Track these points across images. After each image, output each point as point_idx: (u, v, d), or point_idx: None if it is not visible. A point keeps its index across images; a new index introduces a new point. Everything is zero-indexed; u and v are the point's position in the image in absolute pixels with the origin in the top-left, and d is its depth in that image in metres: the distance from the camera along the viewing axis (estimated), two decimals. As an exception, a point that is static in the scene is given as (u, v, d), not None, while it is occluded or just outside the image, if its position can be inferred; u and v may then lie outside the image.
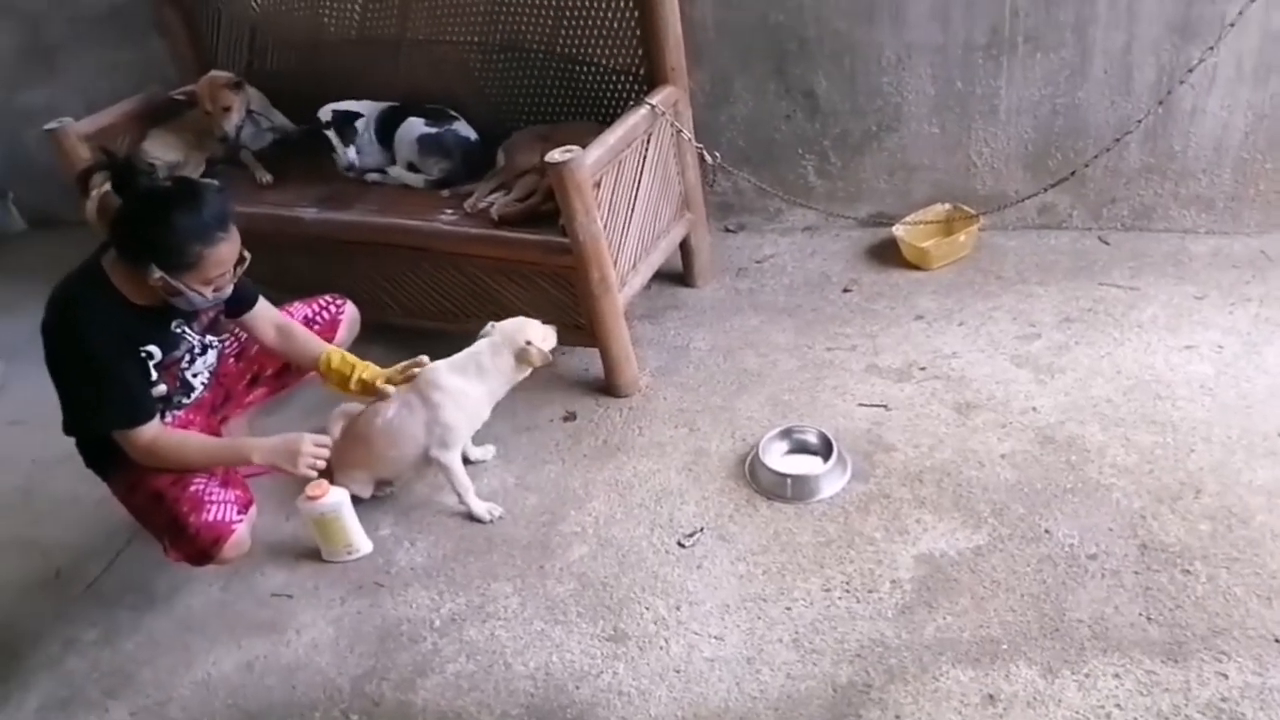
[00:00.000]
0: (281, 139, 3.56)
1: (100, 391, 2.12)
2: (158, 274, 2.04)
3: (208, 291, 2.11)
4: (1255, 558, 2.07)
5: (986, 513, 2.30)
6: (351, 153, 3.26)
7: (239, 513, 2.28)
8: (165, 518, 2.24)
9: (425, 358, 2.50)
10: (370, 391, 2.47)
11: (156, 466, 2.21)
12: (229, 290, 2.18)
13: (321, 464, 2.30)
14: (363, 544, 2.48)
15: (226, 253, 2.09)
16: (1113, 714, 1.81)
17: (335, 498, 2.40)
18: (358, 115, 3.29)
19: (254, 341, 2.62)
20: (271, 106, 3.55)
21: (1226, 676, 1.84)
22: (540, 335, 2.52)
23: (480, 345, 2.50)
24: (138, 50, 4.08)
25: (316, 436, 2.31)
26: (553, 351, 2.55)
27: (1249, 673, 1.84)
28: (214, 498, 2.25)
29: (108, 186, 2.15)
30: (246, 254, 2.17)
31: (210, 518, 2.23)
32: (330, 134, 3.25)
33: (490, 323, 2.55)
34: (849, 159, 3.50)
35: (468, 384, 2.46)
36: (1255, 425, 2.42)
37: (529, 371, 2.52)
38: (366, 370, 2.47)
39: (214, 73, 3.40)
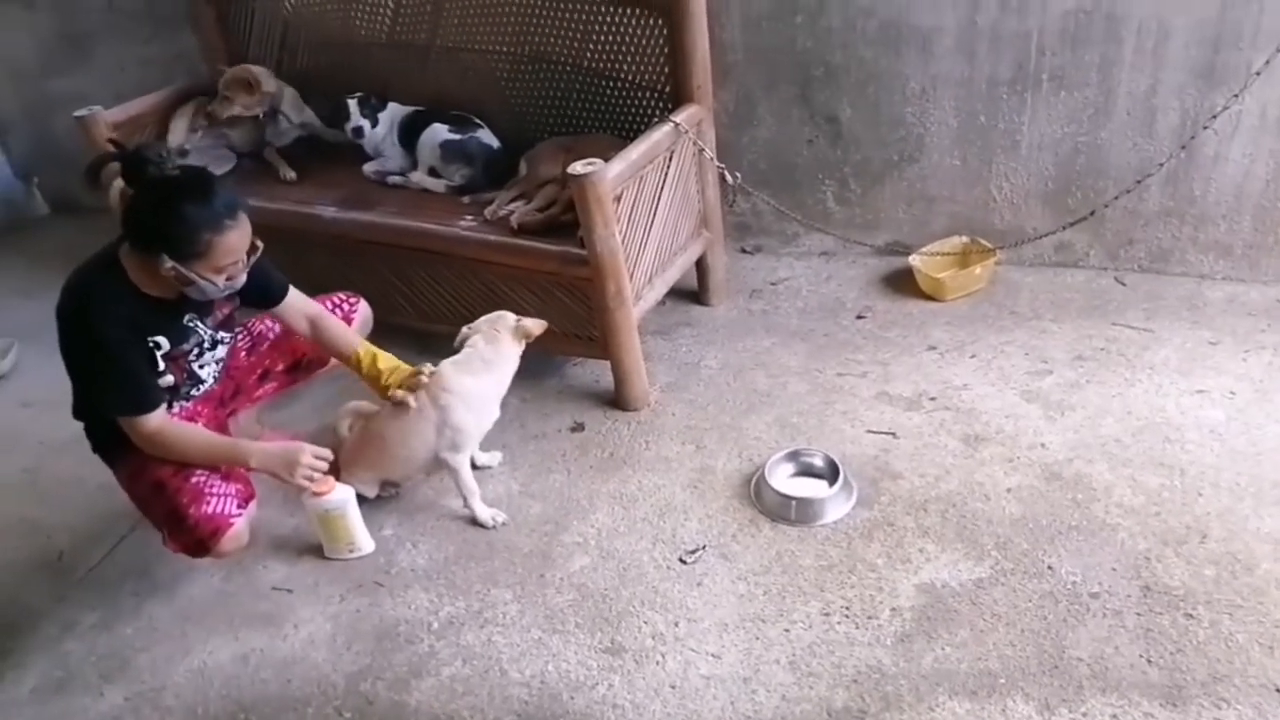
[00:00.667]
0: (308, 137, 3.59)
1: (108, 377, 2.13)
2: (169, 263, 2.05)
3: (220, 280, 2.12)
4: (1259, 605, 2.06)
5: (990, 545, 2.29)
6: (364, 121, 3.31)
7: (239, 506, 2.28)
8: (165, 507, 2.24)
9: (430, 366, 2.51)
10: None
11: (159, 456, 2.22)
12: (242, 279, 2.19)
13: (318, 476, 2.31)
14: (365, 543, 2.48)
15: (236, 241, 2.10)
16: (1109, 754, 1.80)
17: (341, 495, 2.40)
18: (384, 105, 3.36)
19: (267, 336, 2.63)
20: (304, 105, 3.58)
21: (1225, 723, 1.83)
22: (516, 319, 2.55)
23: (474, 342, 2.51)
24: (170, 44, 4.13)
25: (317, 449, 2.31)
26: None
27: (1248, 721, 1.83)
28: (214, 490, 2.26)
29: None
30: (259, 243, 2.17)
31: (209, 510, 2.23)
32: (351, 101, 3.30)
33: (463, 328, 2.55)
34: (869, 187, 3.52)
35: (476, 381, 2.46)
36: (1264, 473, 2.41)
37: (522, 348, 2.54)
38: (394, 375, 2.48)
39: (245, 65, 3.44)
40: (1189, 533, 2.26)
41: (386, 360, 2.50)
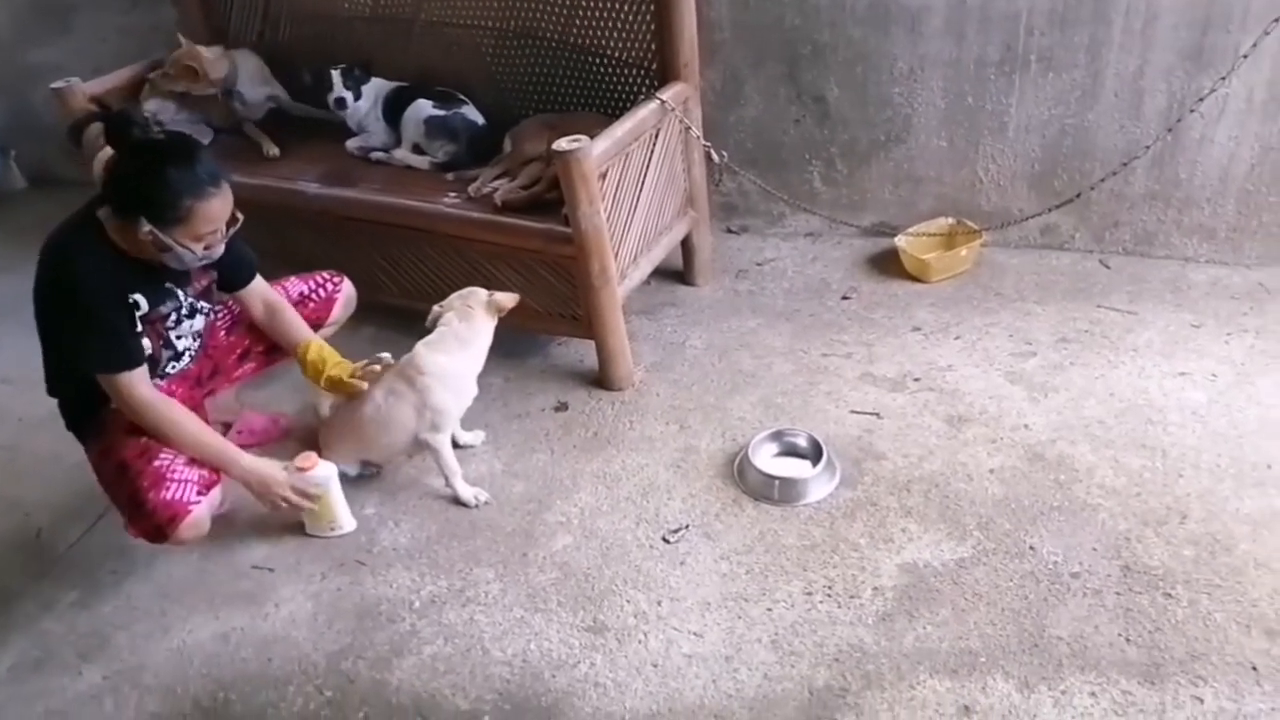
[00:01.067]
0: (278, 109, 3.56)
1: (89, 332, 2.09)
2: (147, 228, 2.02)
3: (198, 248, 2.08)
4: (1237, 585, 2.08)
5: (972, 526, 2.30)
6: (346, 93, 3.26)
7: (199, 493, 2.22)
8: (127, 491, 2.20)
9: (387, 355, 2.51)
10: (338, 388, 2.48)
11: (143, 426, 2.18)
12: (219, 250, 2.15)
13: (284, 508, 2.33)
14: (347, 521, 2.47)
15: (218, 209, 2.07)
16: (1087, 732, 1.81)
17: (324, 472, 2.38)
18: (368, 78, 3.32)
19: (246, 316, 2.61)
20: (269, 79, 3.53)
21: (1202, 701, 1.85)
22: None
23: (447, 320, 2.49)
24: (150, 15, 4.07)
25: (301, 488, 2.32)
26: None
27: (1224, 699, 1.85)
28: (176, 475, 2.21)
29: None
30: (239, 215, 2.15)
31: (168, 496, 2.18)
32: (335, 72, 3.26)
33: (435, 307, 2.53)
34: (855, 167, 3.51)
35: (452, 360, 2.44)
36: (1245, 455, 2.42)
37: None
38: (336, 368, 2.47)
39: (194, 50, 3.36)
40: (1169, 513, 2.28)
41: (330, 351, 2.50)
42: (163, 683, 2.14)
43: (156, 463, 2.20)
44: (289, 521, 2.51)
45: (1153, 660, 1.93)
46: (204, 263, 2.18)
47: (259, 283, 2.47)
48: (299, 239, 3.17)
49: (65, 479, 2.71)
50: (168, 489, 2.18)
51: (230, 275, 2.40)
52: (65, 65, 3.67)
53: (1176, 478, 2.38)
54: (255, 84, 3.50)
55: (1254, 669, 1.90)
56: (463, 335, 2.46)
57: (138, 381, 2.15)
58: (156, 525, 2.18)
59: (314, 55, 3.54)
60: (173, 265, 2.14)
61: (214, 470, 2.29)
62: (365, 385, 2.45)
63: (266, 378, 2.84)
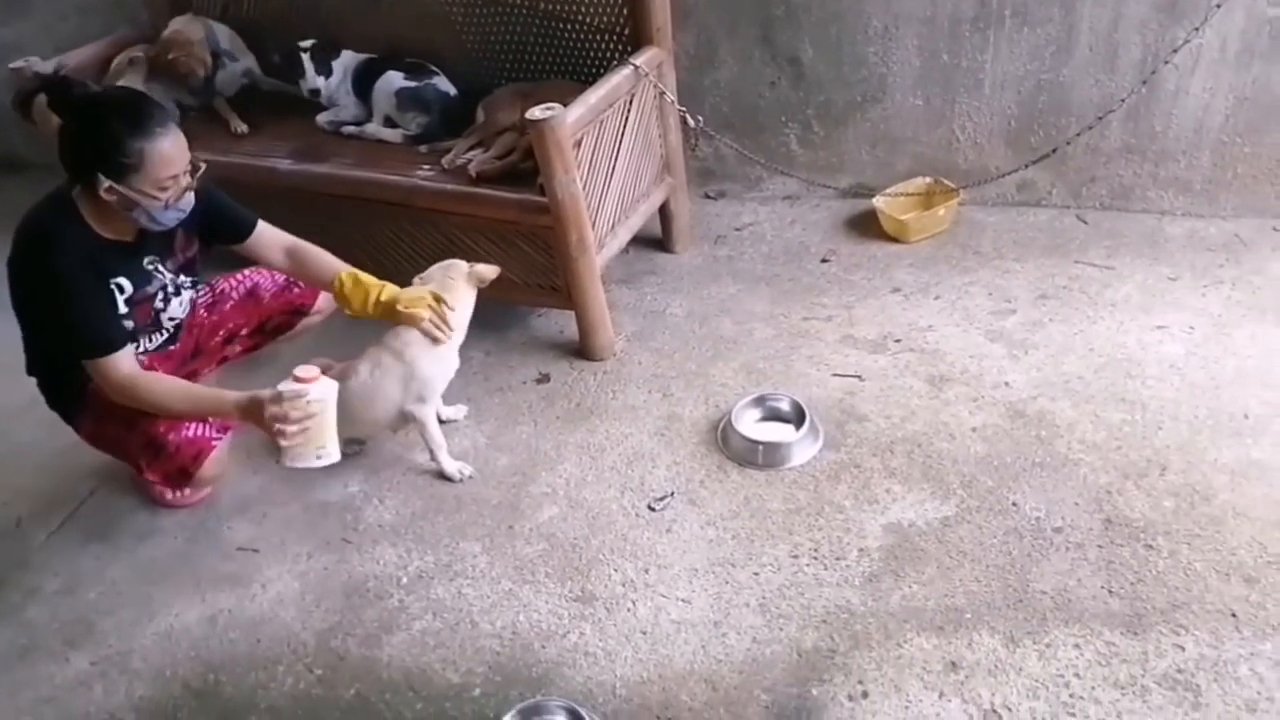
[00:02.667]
0: (252, 84, 3.50)
1: (71, 317, 2.05)
2: (106, 183, 1.97)
3: (162, 197, 2.03)
4: (1216, 534, 2.10)
5: (955, 484, 2.31)
6: (320, 80, 3.22)
7: (218, 432, 2.26)
8: (142, 438, 2.19)
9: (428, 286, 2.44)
10: (390, 315, 2.36)
11: (130, 404, 2.12)
12: (188, 201, 2.09)
13: (291, 431, 2.09)
14: (334, 450, 2.21)
15: (170, 150, 2.00)
16: (1071, 683, 1.84)
17: (325, 389, 2.14)
18: (337, 53, 3.27)
19: (230, 296, 2.56)
20: (245, 49, 3.48)
21: (1183, 649, 1.87)
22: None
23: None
24: (112, -9, 3.97)
25: (300, 403, 2.12)
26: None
27: (1205, 645, 1.87)
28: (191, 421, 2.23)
29: None
30: (201, 162, 2.09)
31: (190, 434, 2.20)
32: (305, 56, 3.21)
33: (415, 279, 2.49)
34: (832, 129, 3.49)
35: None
36: (1222, 406, 2.45)
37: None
38: (385, 291, 2.36)
39: (175, 30, 3.30)
40: (1149, 466, 2.30)
41: (372, 280, 2.37)
42: (151, 666, 2.14)
43: None
44: (273, 502, 2.50)
45: (1135, 611, 1.96)
46: (177, 218, 2.11)
47: (266, 229, 2.38)
48: (271, 217, 3.09)
49: (44, 466, 2.68)
50: (187, 429, 2.19)
51: (227, 229, 2.33)
52: (25, 45, 3.59)
53: (1156, 430, 2.40)
54: (236, 48, 3.46)
55: (1233, 615, 1.93)
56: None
57: (122, 362, 2.10)
58: (180, 466, 2.18)
59: (280, 29, 3.47)
60: (146, 225, 2.08)
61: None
62: (425, 315, 2.34)
63: (251, 363, 2.80)
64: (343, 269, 2.40)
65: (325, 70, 3.24)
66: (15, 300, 2.09)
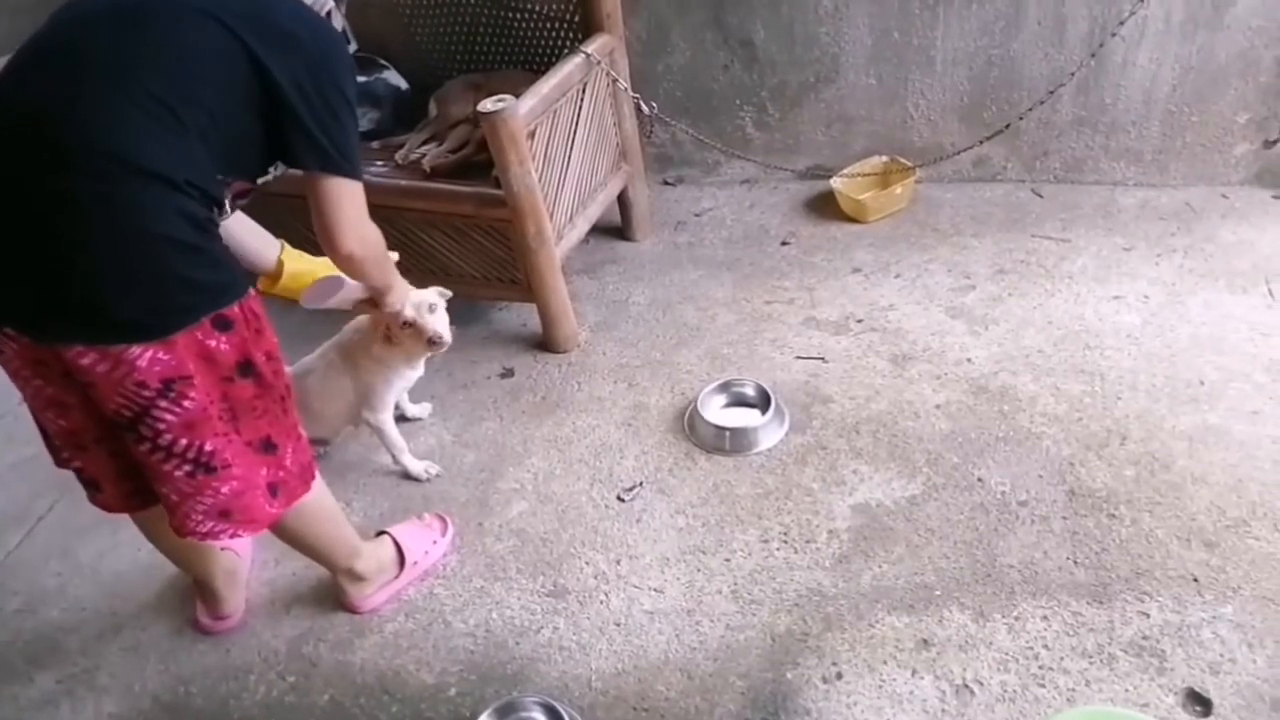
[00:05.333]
0: None
1: (354, 128, 1.73)
2: None
3: None
4: (1176, 501, 2.14)
5: (921, 462, 2.33)
6: None
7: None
8: (290, 421, 1.80)
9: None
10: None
11: (364, 249, 1.79)
12: None
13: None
14: None
15: None
16: (1040, 654, 1.86)
17: None
18: None
19: None
20: None
21: (1148, 615, 1.91)
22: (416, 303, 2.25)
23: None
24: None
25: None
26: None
27: (1169, 611, 1.91)
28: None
29: None
30: None
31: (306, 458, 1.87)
32: None
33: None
34: (787, 110, 3.48)
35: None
36: (1178, 373, 2.49)
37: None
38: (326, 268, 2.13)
39: None
40: (1110, 436, 2.33)
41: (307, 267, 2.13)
42: (120, 682, 2.10)
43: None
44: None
45: (1100, 580, 1.99)
46: None
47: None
48: (223, 219, 3.07)
49: (-2, 483, 2.63)
50: (306, 450, 1.87)
51: None
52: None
53: (1115, 400, 2.43)
54: None
55: (1195, 580, 1.96)
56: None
57: None
58: (309, 463, 1.87)
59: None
60: None
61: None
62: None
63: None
64: (281, 244, 2.15)
65: None
66: (342, 86, 1.66)
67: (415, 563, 2.20)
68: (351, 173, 1.70)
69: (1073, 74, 3.06)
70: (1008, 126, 3.18)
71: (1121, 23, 2.96)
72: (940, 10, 3.15)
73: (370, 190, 2.78)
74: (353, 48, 2.50)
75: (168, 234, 1.51)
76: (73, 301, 1.51)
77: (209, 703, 2.03)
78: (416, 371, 2.43)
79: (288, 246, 2.15)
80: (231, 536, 1.78)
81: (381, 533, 2.22)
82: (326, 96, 1.63)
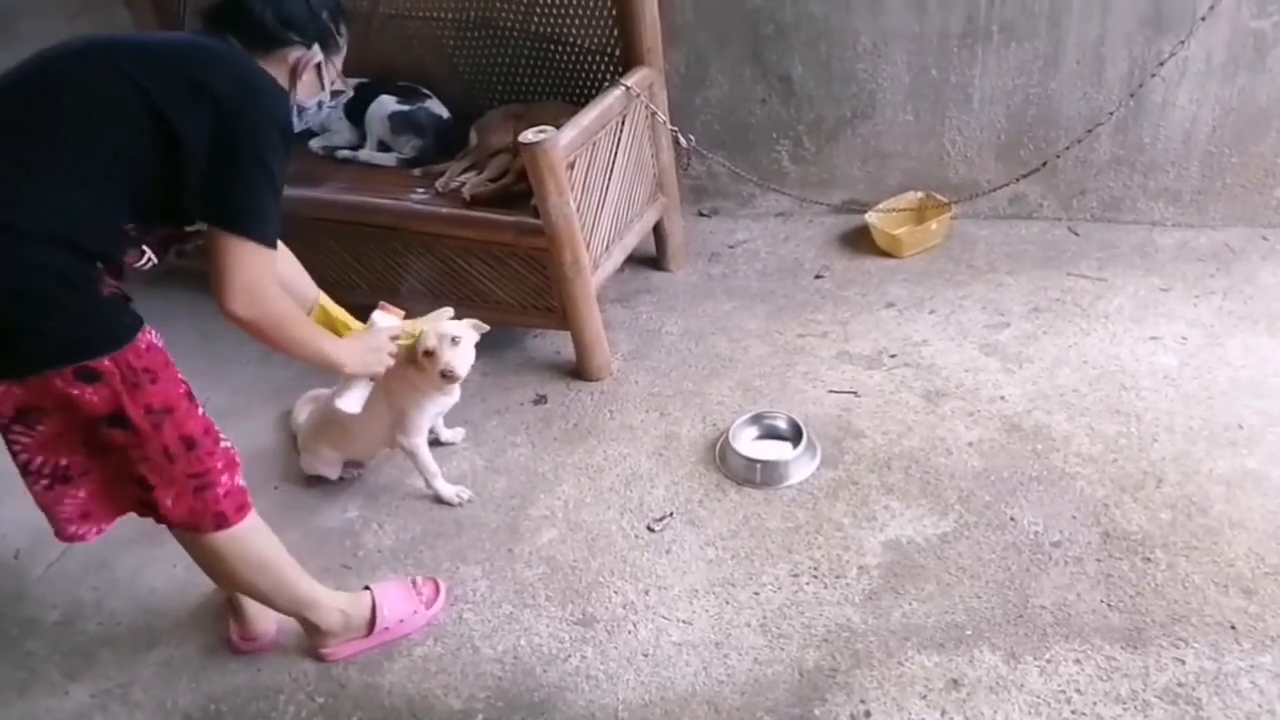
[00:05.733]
0: None
1: (274, 192, 1.70)
2: (318, 58, 1.83)
3: (330, 88, 1.91)
4: (1214, 546, 2.11)
5: (953, 500, 2.32)
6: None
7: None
8: (191, 469, 1.77)
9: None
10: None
11: (259, 320, 1.73)
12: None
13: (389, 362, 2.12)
14: None
15: None
16: (1073, 699, 1.84)
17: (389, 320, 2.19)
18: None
19: None
20: None
21: (1184, 662, 1.88)
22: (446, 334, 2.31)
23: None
24: (101, 18, 3.96)
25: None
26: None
27: (1205, 658, 1.88)
28: (238, 462, 1.89)
29: None
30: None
31: (240, 482, 1.87)
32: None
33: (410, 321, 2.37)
34: (823, 145, 3.51)
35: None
36: (1216, 416, 2.46)
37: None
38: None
39: None
40: (1145, 478, 2.31)
41: (341, 319, 2.24)
42: (153, 698, 2.13)
43: (225, 444, 1.83)
44: (276, 525, 2.49)
45: (1134, 625, 1.96)
46: (307, 114, 2.00)
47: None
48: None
49: (41, 497, 2.67)
50: (237, 475, 1.85)
51: None
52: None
53: (1151, 442, 2.41)
54: None
55: (1233, 628, 1.93)
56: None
57: (273, 262, 1.74)
58: (221, 513, 1.81)
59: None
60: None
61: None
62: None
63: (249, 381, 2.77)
64: (318, 295, 2.25)
65: None
66: (255, 143, 1.66)
67: (387, 629, 2.14)
68: (246, 232, 1.65)
69: (1111, 113, 3.06)
70: (1045, 164, 3.18)
71: (1161, 63, 2.96)
72: (978, 49, 3.17)
73: (411, 217, 2.88)
74: (347, 94, 2.57)
75: (13, 287, 1.52)
76: None
77: (239, 721, 2.05)
78: (451, 398, 2.46)
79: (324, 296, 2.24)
80: (98, 535, 1.84)
81: (367, 587, 2.19)
82: (235, 151, 1.63)
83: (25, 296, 1.54)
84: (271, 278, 1.73)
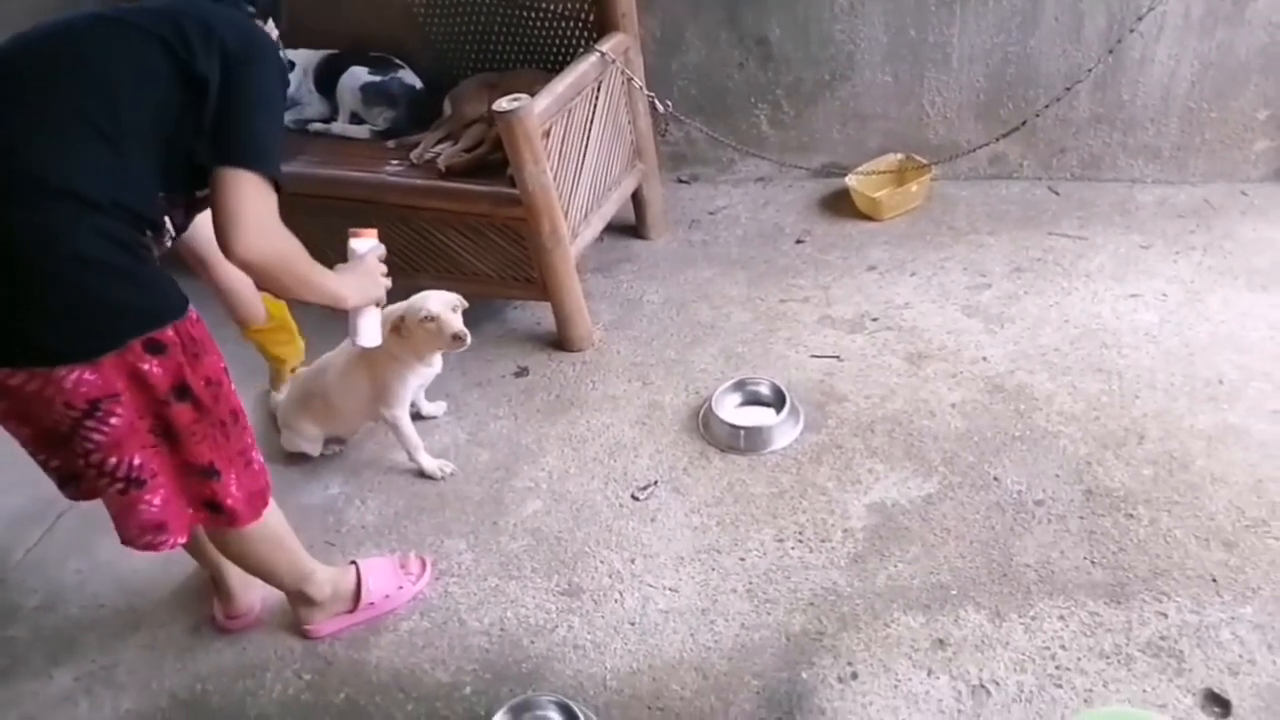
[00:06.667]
0: None
1: (281, 143, 1.67)
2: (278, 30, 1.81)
3: None
4: (1195, 501, 2.12)
5: (937, 461, 2.32)
6: None
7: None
8: (240, 444, 1.80)
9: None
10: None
11: (268, 256, 1.63)
12: None
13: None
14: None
15: None
16: (1057, 655, 1.85)
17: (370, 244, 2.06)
18: (290, 64, 3.17)
19: None
20: None
21: (1166, 616, 1.89)
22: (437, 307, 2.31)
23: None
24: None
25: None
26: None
27: (1187, 611, 1.89)
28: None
29: None
30: None
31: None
32: None
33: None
34: (802, 108, 3.47)
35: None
36: (1197, 371, 2.46)
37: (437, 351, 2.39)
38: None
39: None
40: (1127, 435, 2.31)
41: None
42: (138, 679, 2.11)
43: (249, 426, 1.84)
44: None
45: (1117, 580, 1.98)
46: None
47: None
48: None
49: (17, 482, 2.60)
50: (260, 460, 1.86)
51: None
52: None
53: (1133, 399, 2.41)
54: None
55: (1214, 580, 1.95)
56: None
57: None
58: (262, 489, 1.85)
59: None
60: None
61: None
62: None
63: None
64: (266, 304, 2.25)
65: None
66: (262, 85, 1.63)
67: (372, 603, 2.13)
68: (255, 165, 1.58)
69: (1090, 70, 3.04)
70: (1024, 123, 3.16)
71: (1140, 18, 2.94)
72: (956, 7, 3.13)
73: (386, 189, 2.84)
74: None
75: (85, 255, 1.48)
76: None
77: (226, 700, 2.04)
78: (433, 369, 2.44)
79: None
80: (171, 547, 1.78)
81: (353, 562, 2.18)
82: (244, 93, 1.59)
83: (95, 265, 1.50)
84: (278, 218, 1.66)
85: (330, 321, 2.43)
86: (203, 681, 2.08)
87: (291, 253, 1.71)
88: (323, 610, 2.11)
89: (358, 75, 3.16)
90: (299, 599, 2.09)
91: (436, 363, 2.44)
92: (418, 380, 2.44)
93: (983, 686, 1.82)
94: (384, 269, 2.04)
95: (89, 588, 2.35)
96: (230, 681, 2.07)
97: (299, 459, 2.59)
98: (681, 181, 3.70)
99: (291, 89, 3.21)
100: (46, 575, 2.41)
